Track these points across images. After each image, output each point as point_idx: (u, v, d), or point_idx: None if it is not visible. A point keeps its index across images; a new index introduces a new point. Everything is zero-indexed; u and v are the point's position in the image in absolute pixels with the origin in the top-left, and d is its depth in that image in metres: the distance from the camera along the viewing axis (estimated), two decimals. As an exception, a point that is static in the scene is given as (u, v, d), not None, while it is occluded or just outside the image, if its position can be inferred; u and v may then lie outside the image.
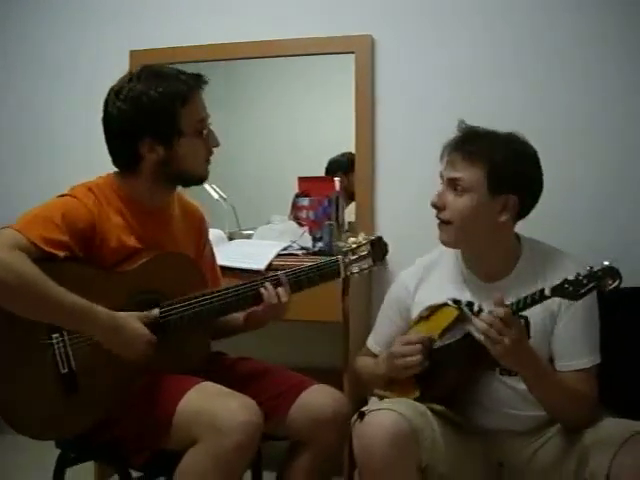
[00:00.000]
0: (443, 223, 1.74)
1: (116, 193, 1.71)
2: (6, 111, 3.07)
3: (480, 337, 1.55)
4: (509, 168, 1.69)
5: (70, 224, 1.58)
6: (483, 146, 1.70)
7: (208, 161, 1.76)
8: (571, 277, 1.49)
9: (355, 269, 1.80)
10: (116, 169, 1.75)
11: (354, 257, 1.80)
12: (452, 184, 1.71)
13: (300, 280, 1.76)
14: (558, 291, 1.51)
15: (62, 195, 1.66)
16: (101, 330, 1.56)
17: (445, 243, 1.77)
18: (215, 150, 1.76)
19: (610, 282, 1.46)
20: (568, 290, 1.50)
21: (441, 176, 1.76)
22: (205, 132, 1.72)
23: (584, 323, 1.69)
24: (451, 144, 1.75)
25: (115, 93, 1.68)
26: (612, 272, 1.46)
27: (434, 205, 1.74)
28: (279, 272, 1.77)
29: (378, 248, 1.83)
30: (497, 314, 1.52)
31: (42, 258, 1.52)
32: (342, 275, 1.79)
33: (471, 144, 1.71)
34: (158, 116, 1.64)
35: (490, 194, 1.68)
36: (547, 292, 1.52)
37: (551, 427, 1.71)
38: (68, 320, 1.54)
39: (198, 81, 1.71)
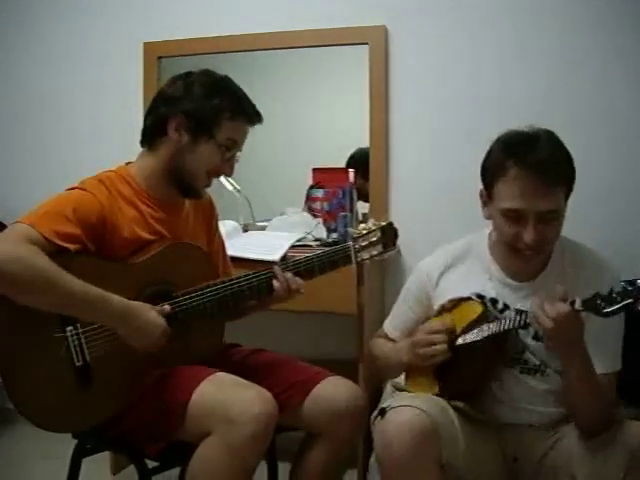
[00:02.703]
0: (535, 252, 1.64)
1: (129, 184, 1.71)
2: (18, 102, 3.08)
3: (537, 326, 1.52)
4: (574, 182, 1.65)
5: (81, 217, 1.58)
6: (560, 165, 1.61)
7: (209, 179, 1.75)
8: (604, 292, 1.43)
9: (366, 255, 1.77)
10: (127, 162, 1.77)
11: (364, 243, 1.77)
12: (546, 215, 1.60)
13: (312, 267, 1.75)
14: (589, 305, 1.45)
15: (72, 188, 1.66)
16: (115, 318, 1.56)
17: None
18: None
19: None
20: (600, 306, 1.43)
21: (512, 209, 1.60)
22: (229, 155, 1.73)
23: (607, 328, 1.63)
24: (523, 166, 1.58)
25: (186, 74, 1.74)
26: None
27: (535, 244, 1.60)
28: (290, 260, 1.77)
29: (389, 234, 1.80)
30: (562, 311, 1.45)
31: (54, 252, 1.53)
32: (353, 261, 1.77)
33: (549, 167, 1.58)
34: (205, 107, 1.67)
35: (566, 207, 1.64)
36: (578, 305, 1.46)
37: (566, 425, 1.68)
38: (82, 309, 1.54)
39: (255, 115, 1.75)
